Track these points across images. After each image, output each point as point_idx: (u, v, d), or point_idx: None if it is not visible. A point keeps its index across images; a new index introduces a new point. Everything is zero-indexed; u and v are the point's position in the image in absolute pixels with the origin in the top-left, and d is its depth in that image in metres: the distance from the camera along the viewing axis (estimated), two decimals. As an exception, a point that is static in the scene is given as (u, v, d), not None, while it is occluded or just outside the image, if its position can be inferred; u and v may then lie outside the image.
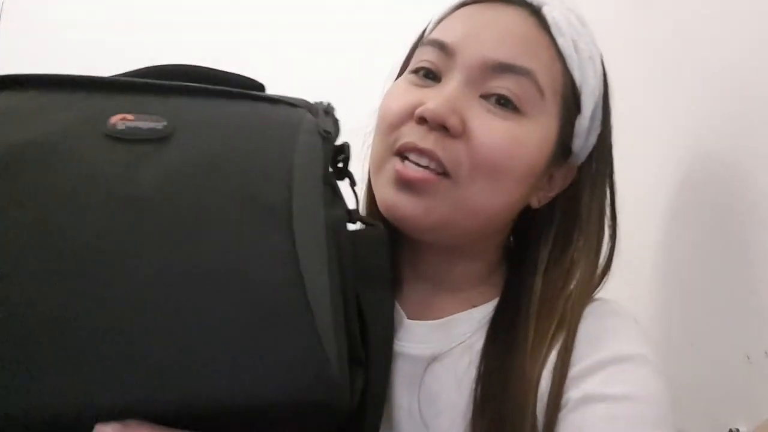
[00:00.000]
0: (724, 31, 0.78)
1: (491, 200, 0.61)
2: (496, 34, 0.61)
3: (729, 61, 0.77)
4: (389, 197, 0.61)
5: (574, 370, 0.58)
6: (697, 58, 0.84)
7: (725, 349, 0.74)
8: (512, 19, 0.62)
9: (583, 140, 0.66)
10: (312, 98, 0.60)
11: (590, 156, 0.68)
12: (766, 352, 0.68)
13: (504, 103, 0.60)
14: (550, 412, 0.57)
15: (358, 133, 0.67)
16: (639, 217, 0.96)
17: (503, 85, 0.60)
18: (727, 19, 0.78)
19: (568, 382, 0.58)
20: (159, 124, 0.51)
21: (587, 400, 0.56)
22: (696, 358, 0.80)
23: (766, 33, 0.71)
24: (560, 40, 0.62)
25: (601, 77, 0.66)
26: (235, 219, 0.48)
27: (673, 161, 0.87)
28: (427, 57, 0.63)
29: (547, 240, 0.67)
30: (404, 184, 0.60)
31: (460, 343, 0.63)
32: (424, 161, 0.59)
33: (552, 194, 0.68)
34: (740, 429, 0.71)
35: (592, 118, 0.66)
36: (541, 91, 0.61)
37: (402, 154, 0.61)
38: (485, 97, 0.60)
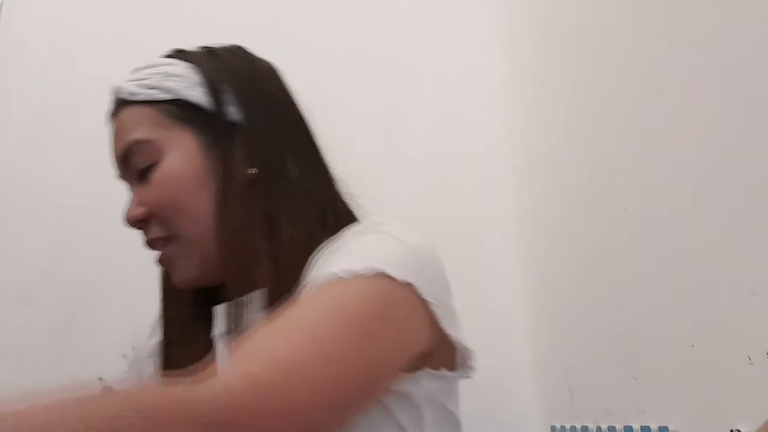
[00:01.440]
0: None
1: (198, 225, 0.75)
2: (115, 142, 0.78)
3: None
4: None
5: None
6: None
7: (727, 350, 0.74)
8: (118, 121, 0.78)
9: (233, 118, 0.77)
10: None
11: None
12: (767, 353, 0.68)
13: (143, 171, 0.75)
14: None
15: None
16: (641, 217, 0.96)
17: (134, 164, 0.76)
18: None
19: None
20: None
21: (315, 263, 0.66)
22: (697, 359, 0.80)
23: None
24: (139, 96, 0.76)
25: (196, 71, 0.77)
26: None
27: (676, 161, 0.87)
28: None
29: None
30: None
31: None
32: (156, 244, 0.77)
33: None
34: (741, 430, 0.71)
35: (221, 102, 0.76)
36: (151, 139, 0.75)
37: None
38: (141, 177, 0.76)
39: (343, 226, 0.73)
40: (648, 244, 0.93)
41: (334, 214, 0.77)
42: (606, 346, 1.06)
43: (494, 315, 1.44)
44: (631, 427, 0.95)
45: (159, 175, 0.74)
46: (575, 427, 1.16)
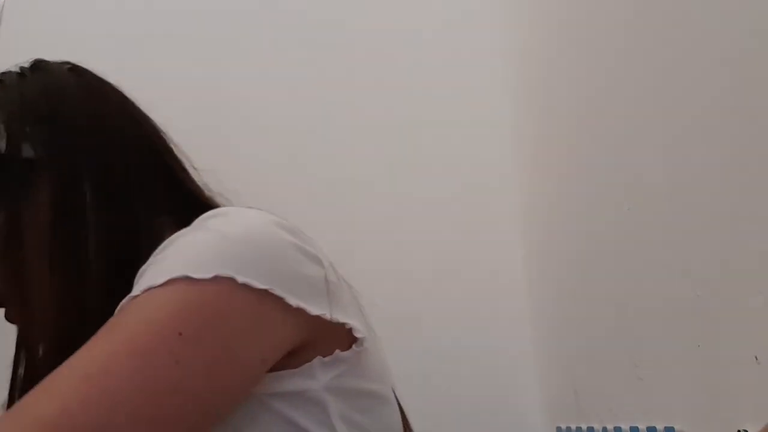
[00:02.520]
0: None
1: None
2: None
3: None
4: None
5: None
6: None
7: (733, 350, 0.74)
8: None
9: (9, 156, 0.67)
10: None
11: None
12: (774, 353, 0.67)
13: None
14: None
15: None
16: (646, 217, 0.95)
17: None
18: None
19: None
20: None
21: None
22: (704, 360, 0.80)
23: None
24: None
25: None
26: None
27: (680, 161, 0.86)
28: None
29: None
30: None
31: None
32: None
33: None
34: (748, 430, 0.70)
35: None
36: None
37: None
38: None
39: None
40: (654, 245, 0.93)
41: (146, 236, 0.67)
42: (611, 346, 1.06)
43: (499, 318, 1.43)
44: (637, 427, 0.95)
45: None
46: (581, 427, 1.15)
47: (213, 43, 1.54)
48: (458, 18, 1.67)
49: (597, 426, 1.09)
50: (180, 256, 0.54)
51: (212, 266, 0.51)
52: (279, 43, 1.59)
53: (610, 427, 1.03)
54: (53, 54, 1.55)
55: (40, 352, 0.64)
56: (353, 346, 0.60)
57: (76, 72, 0.75)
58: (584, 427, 1.14)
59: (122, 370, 0.48)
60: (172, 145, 0.73)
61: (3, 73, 0.73)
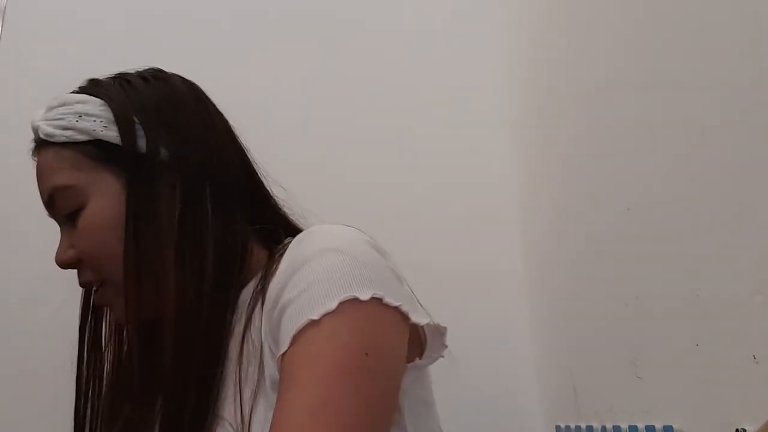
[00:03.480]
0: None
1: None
2: (39, 185, 0.76)
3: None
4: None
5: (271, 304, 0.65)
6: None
7: (731, 349, 0.74)
8: (39, 161, 0.76)
9: (151, 155, 0.74)
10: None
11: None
12: (772, 352, 0.67)
13: (71, 215, 0.73)
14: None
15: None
16: (645, 217, 0.95)
17: (60, 208, 0.74)
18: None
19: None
20: None
21: (284, 310, 0.62)
22: (702, 359, 0.80)
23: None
24: (56, 138, 0.74)
25: (109, 108, 0.75)
26: None
27: (679, 161, 0.87)
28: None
29: None
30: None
31: None
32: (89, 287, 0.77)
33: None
34: (747, 429, 0.71)
35: (129, 135, 0.74)
36: (71, 184, 0.73)
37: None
38: (69, 222, 0.74)
39: (270, 251, 0.75)
40: (652, 244, 0.93)
41: (271, 238, 0.77)
42: (610, 345, 1.06)
43: (498, 317, 1.44)
44: (636, 426, 0.95)
45: (84, 221, 0.72)
46: (580, 426, 1.15)
47: (214, 45, 1.54)
48: (458, 18, 1.67)
49: (596, 425, 1.09)
50: (333, 278, 0.60)
51: (367, 287, 0.60)
52: (279, 43, 1.59)
53: (609, 426, 1.04)
54: (53, 54, 1.55)
55: (132, 335, 0.73)
56: (428, 353, 0.69)
57: (188, 85, 0.81)
58: (583, 426, 1.14)
59: (339, 399, 0.55)
60: (255, 164, 0.82)
61: (125, 74, 0.79)
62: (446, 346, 0.70)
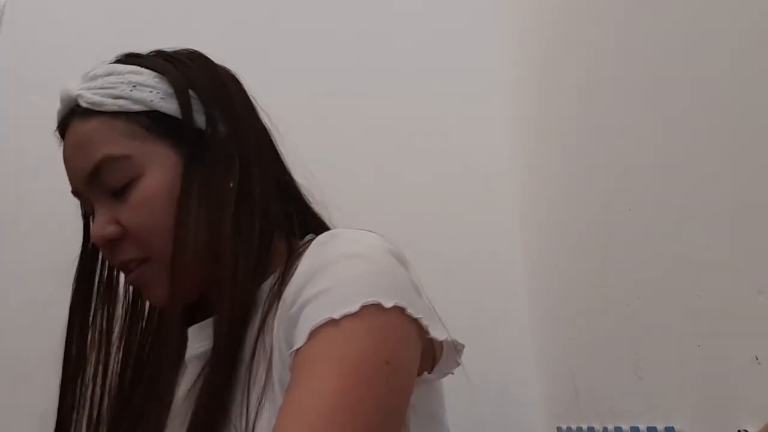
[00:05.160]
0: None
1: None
2: (78, 157, 0.71)
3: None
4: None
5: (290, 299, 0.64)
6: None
7: (733, 350, 0.74)
8: (77, 133, 0.71)
9: (210, 131, 0.73)
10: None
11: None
12: (774, 353, 0.67)
13: (121, 188, 0.70)
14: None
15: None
16: (646, 217, 0.95)
17: (107, 181, 0.70)
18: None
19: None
20: None
21: (302, 307, 0.61)
22: (704, 359, 0.80)
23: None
24: (106, 107, 0.70)
25: (165, 81, 0.73)
26: None
27: (680, 161, 0.86)
28: (81, 204, 0.78)
29: None
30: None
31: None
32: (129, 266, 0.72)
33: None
34: (749, 430, 0.70)
35: (188, 110, 0.72)
36: (127, 154, 0.69)
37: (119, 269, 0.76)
38: (114, 195, 0.70)
39: (302, 239, 0.73)
40: (654, 244, 0.93)
41: (294, 228, 0.76)
42: (612, 346, 1.06)
43: (499, 318, 1.43)
44: (638, 427, 0.95)
45: (140, 194, 0.69)
46: (581, 427, 1.15)
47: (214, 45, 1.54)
48: (458, 18, 1.67)
49: (597, 426, 1.09)
50: (357, 282, 0.60)
51: (391, 296, 0.59)
52: (278, 45, 1.59)
53: (610, 427, 1.03)
54: (54, 54, 1.55)
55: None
56: (439, 367, 0.67)
57: (222, 66, 0.81)
58: (585, 427, 1.14)
59: (356, 403, 0.54)
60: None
61: (164, 51, 0.77)
62: (459, 364, 0.69)
